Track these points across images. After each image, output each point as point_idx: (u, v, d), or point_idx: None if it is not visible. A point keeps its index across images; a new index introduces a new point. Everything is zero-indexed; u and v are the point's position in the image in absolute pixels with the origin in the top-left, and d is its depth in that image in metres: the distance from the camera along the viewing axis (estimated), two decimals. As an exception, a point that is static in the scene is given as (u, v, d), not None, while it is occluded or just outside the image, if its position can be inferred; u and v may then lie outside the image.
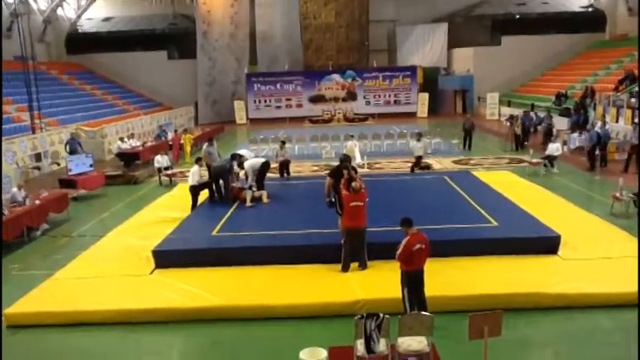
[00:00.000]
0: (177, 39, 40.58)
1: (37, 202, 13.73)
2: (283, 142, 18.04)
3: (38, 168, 21.16)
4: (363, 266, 9.44)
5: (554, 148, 18.44)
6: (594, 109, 24.31)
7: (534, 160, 18.42)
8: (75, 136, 21.53)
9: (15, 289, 9.60)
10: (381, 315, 6.44)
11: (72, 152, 20.33)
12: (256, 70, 39.13)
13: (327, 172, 11.66)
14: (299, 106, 38.45)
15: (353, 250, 9.43)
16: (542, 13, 38.98)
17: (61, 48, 39.88)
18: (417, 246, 7.51)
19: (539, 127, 24.95)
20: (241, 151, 15.34)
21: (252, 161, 14.21)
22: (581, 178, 17.45)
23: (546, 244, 10.05)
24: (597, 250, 9.95)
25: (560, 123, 24.97)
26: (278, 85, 38.33)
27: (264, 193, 13.81)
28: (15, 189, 14.33)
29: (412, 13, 39.65)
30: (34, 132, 23.26)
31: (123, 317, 8.41)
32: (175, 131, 25.47)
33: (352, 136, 21.31)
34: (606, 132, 18.84)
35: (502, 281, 8.80)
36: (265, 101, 38.48)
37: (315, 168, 20.05)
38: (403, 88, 38.29)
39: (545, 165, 18.15)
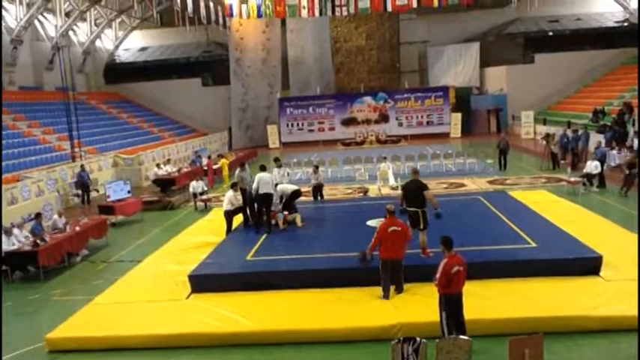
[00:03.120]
0: (211, 66, 41.43)
1: (77, 228, 14.08)
2: (317, 167, 18.08)
3: (78, 195, 21.71)
4: (399, 290, 9.31)
5: (592, 166, 18.03)
6: (633, 124, 23.76)
7: (572, 179, 18.03)
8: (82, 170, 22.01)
9: (56, 314, 9.84)
10: (418, 339, 6.34)
11: (83, 185, 21.03)
12: (288, 95, 39.58)
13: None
14: (331, 129, 38.64)
15: (391, 277, 9.28)
16: (576, 30, 38.47)
17: (100, 78, 41.16)
18: (455, 268, 7.39)
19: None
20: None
21: (284, 186, 14.33)
22: (622, 196, 16.96)
23: (587, 264, 9.78)
24: (641, 271, 9.62)
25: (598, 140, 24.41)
26: (310, 109, 38.64)
27: (298, 217, 13.85)
28: (56, 216, 14.77)
29: (443, 33, 39.68)
30: (74, 160, 23.94)
31: (160, 342, 8.49)
32: (209, 157, 25.86)
33: (385, 158, 21.32)
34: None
35: (542, 304, 8.59)
36: (298, 125, 38.80)
37: (349, 191, 20.02)
38: (435, 109, 38.13)
39: (584, 184, 17.75)
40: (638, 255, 10.00)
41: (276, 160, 16.59)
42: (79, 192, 21.56)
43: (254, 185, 13.29)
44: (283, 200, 13.89)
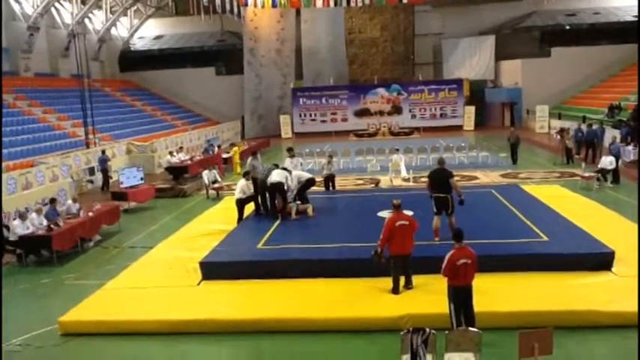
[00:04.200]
0: (225, 55, 41.44)
1: (91, 214, 14.23)
2: (331, 157, 18.07)
3: (91, 181, 21.88)
4: (408, 285, 9.19)
5: (607, 161, 17.88)
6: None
7: (587, 174, 17.88)
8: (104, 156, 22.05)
9: (68, 298, 9.95)
10: (428, 330, 6.35)
11: (103, 170, 21.14)
12: (302, 85, 39.53)
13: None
14: (344, 120, 38.58)
15: (402, 271, 9.24)
16: (593, 24, 37.97)
17: (115, 66, 41.34)
18: (462, 261, 7.38)
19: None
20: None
21: (300, 172, 14.33)
22: (637, 191, 16.80)
23: (599, 260, 9.72)
24: (654, 267, 9.53)
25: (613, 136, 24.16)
26: (323, 100, 38.57)
27: (310, 207, 13.86)
28: (70, 201, 14.93)
29: (458, 26, 39.36)
30: (88, 147, 24.12)
31: (170, 327, 8.57)
32: (218, 146, 25.92)
33: (397, 150, 21.25)
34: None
35: (553, 298, 8.55)
36: (311, 115, 38.77)
37: (360, 182, 20.00)
38: (449, 102, 37.94)
39: (598, 179, 17.60)
40: (638, 249, 9.90)
41: (290, 150, 16.55)
42: (92, 179, 21.72)
43: (268, 176, 13.44)
44: (298, 186, 13.84)
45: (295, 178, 13.84)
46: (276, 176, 13.32)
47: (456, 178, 18.15)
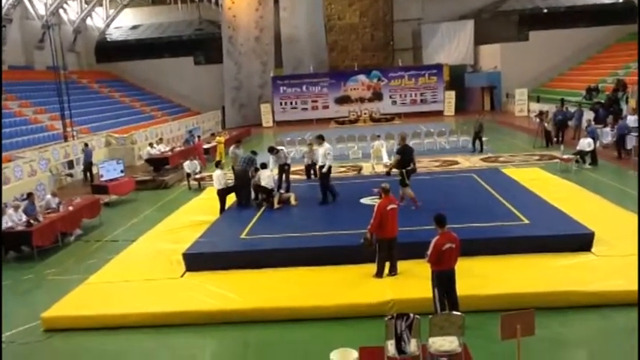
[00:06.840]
0: (204, 44, 41.05)
1: (71, 208, 14.06)
2: (311, 144, 17.97)
3: (71, 175, 21.61)
4: (394, 272, 9.27)
5: (585, 143, 18.08)
6: (627, 102, 23.76)
7: (565, 156, 18.08)
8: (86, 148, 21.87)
9: (51, 293, 9.87)
10: (412, 315, 6.39)
11: (86, 163, 20.89)
12: (282, 73, 39.29)
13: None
14: (325, 107, 38.45)
15: (388, 256, 9.30)
16: (571, 7, 38.23)
17: (91, 57, 40.71)
18: (447, 245, 7.43)
19: (570, 123, 24.40)
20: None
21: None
22: (614, 173, 17.07)
23: (579, 241, 9.86)
24: (632, 247, 9.66)
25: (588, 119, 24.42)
26: (304, 87, 38.41)
27: (292, 195, 13.86)
28: (49, 196, 14.72)
29: (438, 11, 39.36)
30: (66, 140, 23.78)
31: (155, 320, 8.53)
32: (198, 137, 25.75)
33: (379, 136, 21.26)
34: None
35: (535, 279, 8.66)
36: (291, 103, 38.59)
37: (342, 169, 19.99)
38: (429, 87, 37.98)
39: (577, 161, 17.81)
40: (637, 237, 9.99)
41: (271, 150, 15.71)
42: (72, 172, 21.42)
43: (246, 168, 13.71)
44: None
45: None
46: (266, 180, 13.40)
47: (436, 164, 18.68)
